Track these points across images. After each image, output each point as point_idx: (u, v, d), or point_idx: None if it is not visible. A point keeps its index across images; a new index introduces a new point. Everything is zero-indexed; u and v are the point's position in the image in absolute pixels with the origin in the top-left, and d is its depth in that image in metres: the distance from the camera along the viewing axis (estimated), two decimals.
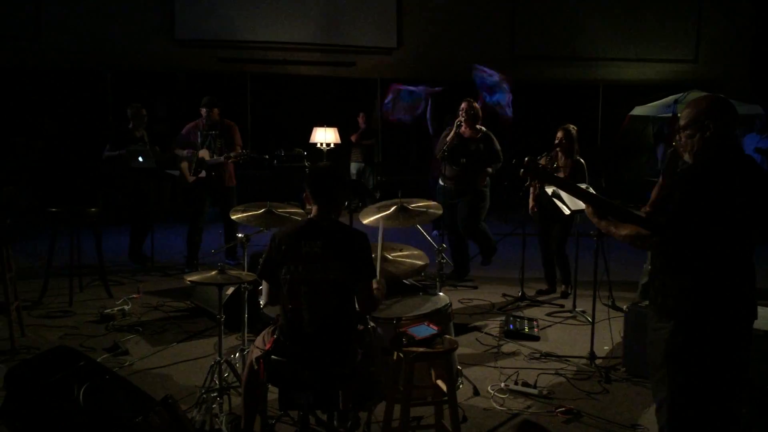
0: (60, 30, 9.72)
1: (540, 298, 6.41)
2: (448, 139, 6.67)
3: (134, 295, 6.23)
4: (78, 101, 11.17)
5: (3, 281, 4.91)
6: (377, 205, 4.45)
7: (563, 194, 5.31)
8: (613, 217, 2.86)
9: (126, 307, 5.80)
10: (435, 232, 8.33)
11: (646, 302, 4.64)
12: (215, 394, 3.77)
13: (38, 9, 9.64)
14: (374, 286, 3.32)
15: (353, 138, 11.56)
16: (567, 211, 5.48)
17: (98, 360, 4.14)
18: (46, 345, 4.88)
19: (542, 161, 6.08)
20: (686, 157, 2.79)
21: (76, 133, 10.80)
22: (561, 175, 6.09)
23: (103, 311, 5.67)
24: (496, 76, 7.56)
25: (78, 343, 4.92)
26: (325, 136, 10.69)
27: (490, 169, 6.69)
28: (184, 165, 7.18)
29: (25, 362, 3.35)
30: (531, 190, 6.22)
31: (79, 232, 6.14)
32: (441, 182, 6.85)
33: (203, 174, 7.13)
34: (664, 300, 2.73)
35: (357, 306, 3.31)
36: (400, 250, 4.36)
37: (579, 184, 5.46)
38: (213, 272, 3.77)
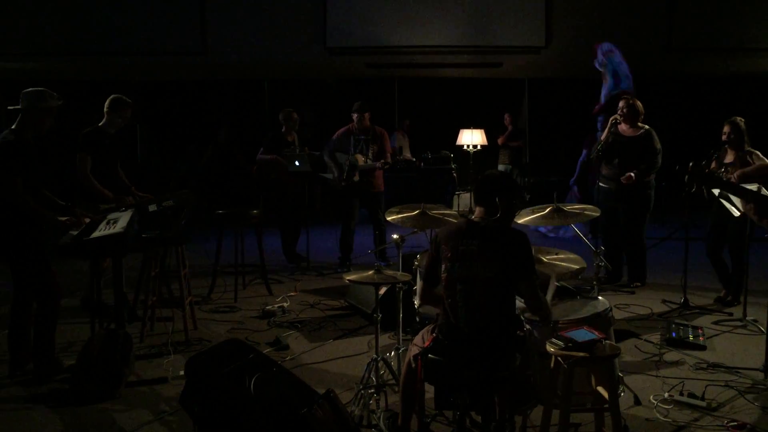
0: (223, 45, 10.39)
1: (712, 307, 6.00)
2: (602, 137, 6.46)
3: (292, 293, 6.55)
4: (240, 109, 11.92)
5: (179, 278, 5.35)
6: (532, 208, 4.43)
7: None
8: None
9: (285, 305, 6.10)
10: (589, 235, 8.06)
11: None
12: (372, 391, 3.88)
13: (204, 28, 10.38)
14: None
15: (500, 140, 11.46)
16: (736, 213, 5.13)
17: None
18: (216, 338, 5.25)
19: (712, 165, 5.73)
20: None
21: (240, 140, 11.51)
22: (731, 173, 5.70)
23: (265, 308, 6.01)
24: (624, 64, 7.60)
25: (244, 337, 5.22)
26: (471, 138, 10.70)
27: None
28: (336, 169, 7.42)
29: (203, 353, 3.61)
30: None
31: (242, 232, 6.56)
32: (600, 183, 6.62)
33: (357, 177, 7.35)
34: None
35: (526, 306, 3.31)
36: (556, 254, 4.28)
37: (749, 185, 5.12)
38: (370, 272, 3.88)
